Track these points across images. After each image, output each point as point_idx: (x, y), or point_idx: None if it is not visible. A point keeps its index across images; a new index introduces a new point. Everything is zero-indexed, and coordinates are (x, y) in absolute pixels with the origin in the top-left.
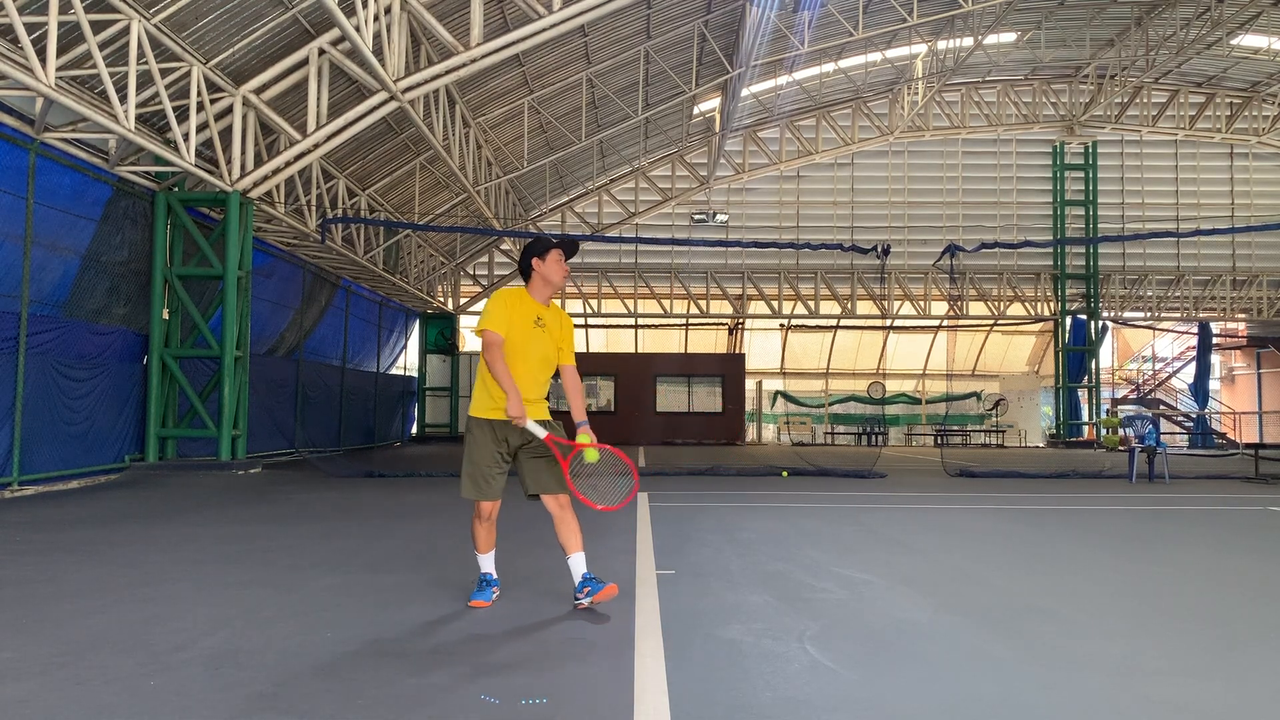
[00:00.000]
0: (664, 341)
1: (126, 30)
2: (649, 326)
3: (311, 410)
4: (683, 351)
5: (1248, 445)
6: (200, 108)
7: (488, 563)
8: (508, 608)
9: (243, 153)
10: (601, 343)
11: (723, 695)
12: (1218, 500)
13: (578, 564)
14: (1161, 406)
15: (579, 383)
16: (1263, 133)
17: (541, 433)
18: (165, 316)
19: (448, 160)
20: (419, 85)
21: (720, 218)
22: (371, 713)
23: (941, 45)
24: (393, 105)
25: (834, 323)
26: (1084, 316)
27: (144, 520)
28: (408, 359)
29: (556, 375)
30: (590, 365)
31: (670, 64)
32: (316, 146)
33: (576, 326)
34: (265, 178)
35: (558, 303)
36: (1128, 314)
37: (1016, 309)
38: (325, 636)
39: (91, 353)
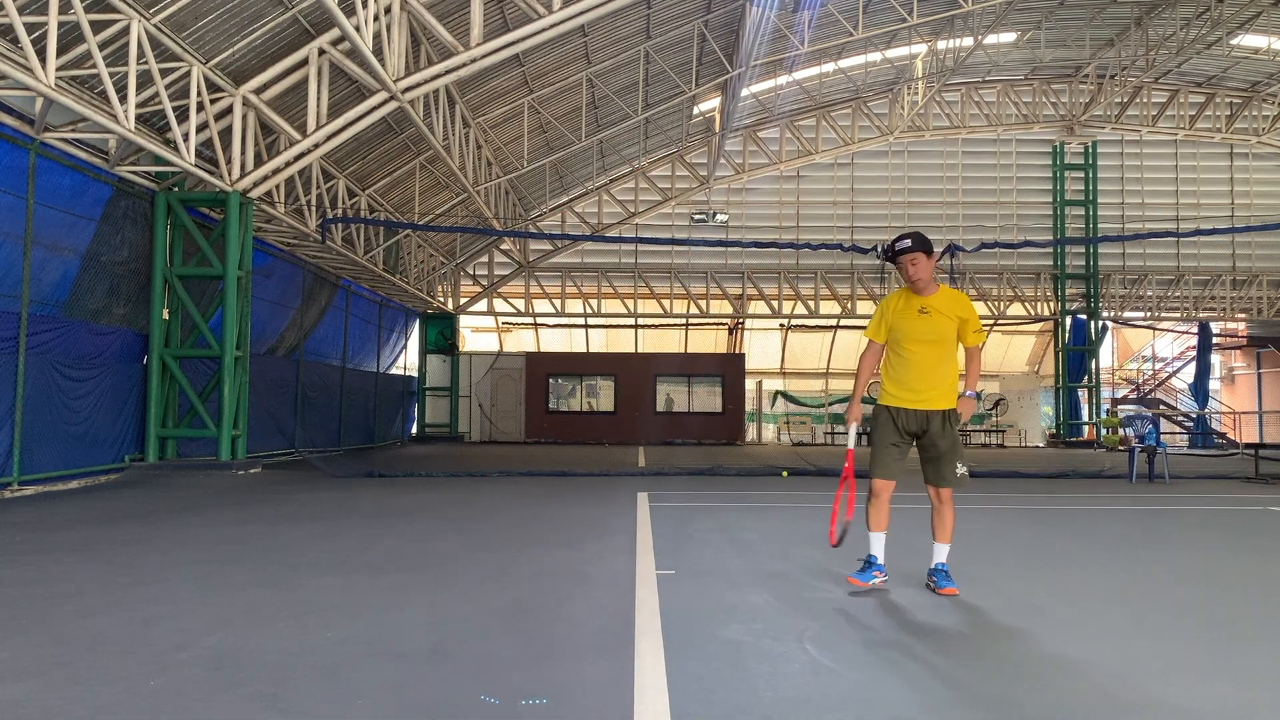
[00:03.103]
0: (664, 341)
1: (126, 30)
2: (649, 326)
3: (311, 410)
4: (683, 351)
5: (1248, 445)
6: (200, 108)
7: (876, 543)
8: (508, 607)
9: (243, 153)
10: (601, 343)
11: (723, 695)
12: (1218, 500)
13: (937, 553)
14: (1161, 406)
15: (977, 361)
16: (1263, 133)
17: (851, 442)
18: (165, 316)
19: (448, 160)
20: (419, 85)
21: (720, 218)
22: (371, 713)
23: (941, 45)
24: (393, 105)
25: (834, 323)
26: (1084, 316)
27: (144, 520)
28: (408, 359)
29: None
30: (590, 365)
31: (670, 64)
32: (316, 146)
33: (575, 327)
34: (265, 178)
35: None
36: (1128, 314)
37: (1016, 309)
38: (325, 636)
39: (91, 353)
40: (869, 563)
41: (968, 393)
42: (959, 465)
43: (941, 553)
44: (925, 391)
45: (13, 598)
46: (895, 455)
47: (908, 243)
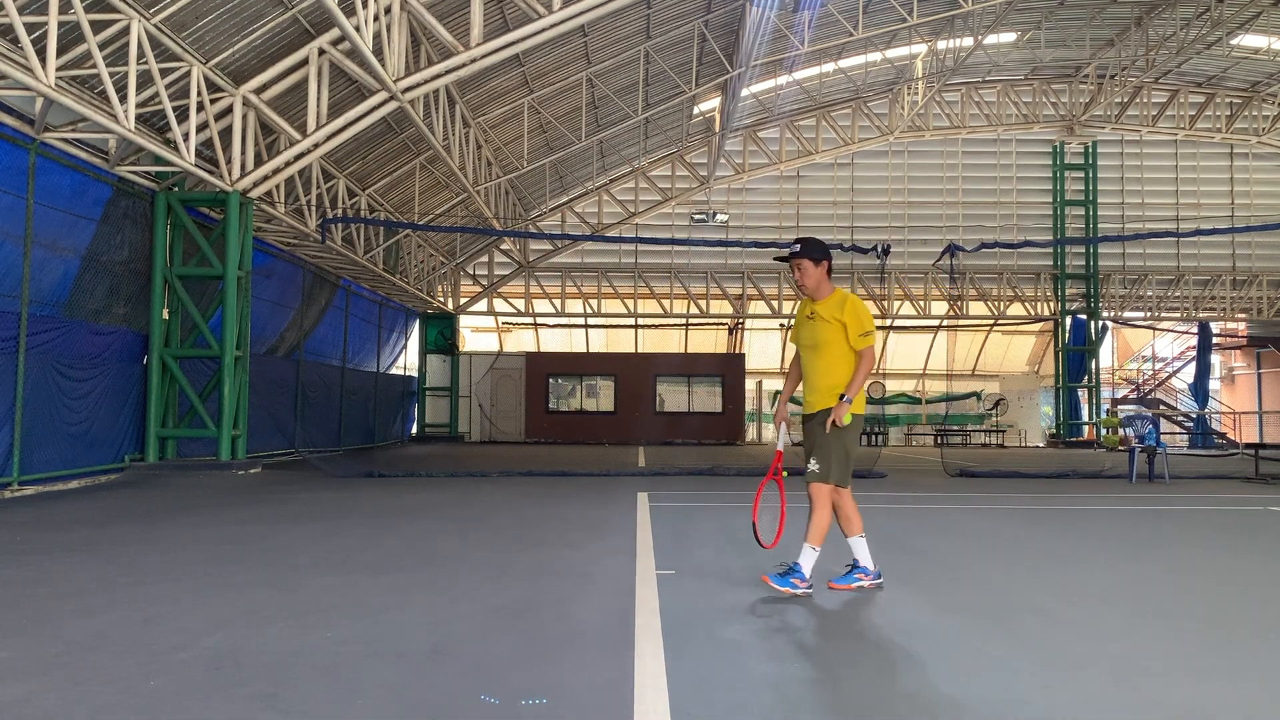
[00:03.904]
0: (664, 341)
1: (126, 30)
2: (649, 326)
3: (311, 410)
4: (683, 351)
5: (1248, 445)
6: (200, 108)
7: (855, 548)
8: (508, 607)
9: (243, 153)
10: (601, 343)
11: (723, 695)
12: (1218, 500)
13: (805, 553)
14: (1161, 406)
15: (863, 365)
16: (1263, 133)
17: (780, 443)
18: (165, 316)
19: (448, 160)
20: (419, 85)
21: (720, 218)
22: (371, 713)
23: (941, 45)
24: (393, 105)
25: None
26: (1084, 316)
27: (144, 520)
28: (408, 359)
29: None
30: (590, 365)
31: (670, 64)
32: (316, 146)
33: (575, 327)
34: (265, 178)
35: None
36: (1128, 314)
37: (1016, 309)
38: (325, 636)
39: (91, 353)
40: (852, 566)
41: (844, 397)
42: (813, 461)
43: (801, 552)
44: (809, 395)
45: (13, 598)
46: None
47: (797, 248)
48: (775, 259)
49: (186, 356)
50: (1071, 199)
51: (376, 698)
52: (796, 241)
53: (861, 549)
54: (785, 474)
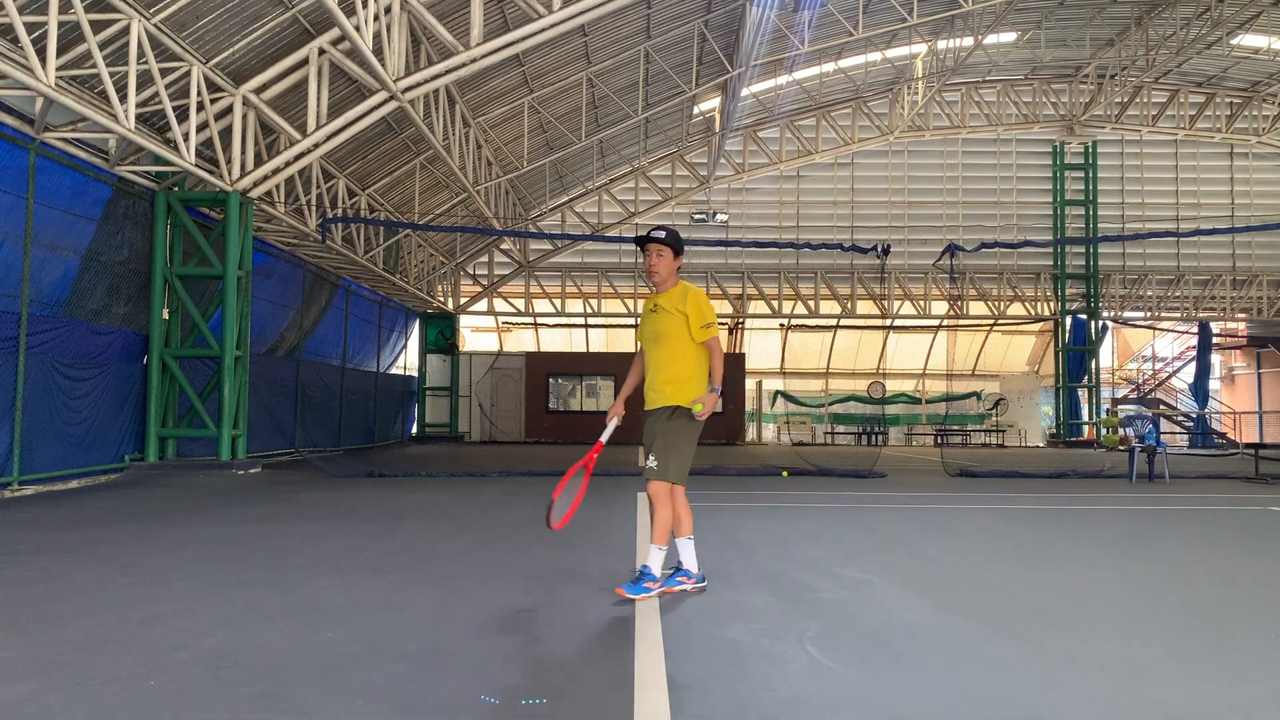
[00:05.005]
0: None
1: (126, 30)
2: None
3: (311, 410)
4: None
5: (1248, 445)
6: (200, 107)
7: (654, 555)
8: (508, 607)
9: (243, 152)
10: (601, 343)
11: (723, 695)
12: (1218, 500)
13: (651, 554)
14: (1161, 406)
15: (715, 355)
16: (1263, 133)
17: (604, 436)
18: (165, 316)
19: (448, 160)
20: (419, 85)
21: (720, 217)
22: (371, 713)
23: (941, 45)
24: (393, 105)
25: (834, 323)
26: (1084, 316)
27: (144, 520)
28: (408, 359)
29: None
30: (590, 365)
31: (670, 64)
32: (316, 146)
33: (575, 327)
34: (265, 177)
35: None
36: (1128, 314)
37: (1016, 309)
38: (325, 636)
39: (91, 352)
40: (676, 568)
41: (713, 388)
42: (651, 459)
43: (649, 554)
44: (650, 391)
45: (13, 598)
46: (646, 456)
47: (660, 234)
48: (634, 241)
49: (186, 356)
50: (1071, 199)
51: (376, 698)
52: (660, 228)
53: (688, 551)
54: (786, 474)
